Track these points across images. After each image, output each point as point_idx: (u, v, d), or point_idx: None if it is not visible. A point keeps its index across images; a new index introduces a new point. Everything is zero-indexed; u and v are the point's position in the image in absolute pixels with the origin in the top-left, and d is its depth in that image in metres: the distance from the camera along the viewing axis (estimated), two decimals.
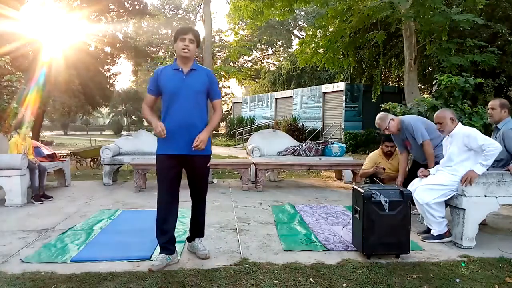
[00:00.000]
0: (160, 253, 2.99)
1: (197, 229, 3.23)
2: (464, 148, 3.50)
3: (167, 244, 2.99)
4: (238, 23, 15.92)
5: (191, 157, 2.92)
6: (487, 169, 3.78)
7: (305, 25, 27.80)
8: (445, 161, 3.71)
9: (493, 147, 3.34)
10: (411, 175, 4.72)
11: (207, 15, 9.15)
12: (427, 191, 3.54)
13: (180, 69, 2.92)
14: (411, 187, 3.69)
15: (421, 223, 4.22)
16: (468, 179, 3.37)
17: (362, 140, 15.02)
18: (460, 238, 3.44)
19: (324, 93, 18.67)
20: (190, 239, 3.27)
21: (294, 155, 7.45)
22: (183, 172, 3.07)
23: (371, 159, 5.14)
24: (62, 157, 7.24)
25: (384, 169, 4.99)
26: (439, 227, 3.57)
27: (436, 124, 3.70)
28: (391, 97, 14.32)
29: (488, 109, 4.05)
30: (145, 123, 45.37)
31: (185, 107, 2.85)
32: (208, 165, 3.07)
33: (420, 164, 4.51)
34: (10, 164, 5.08)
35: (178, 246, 3.20)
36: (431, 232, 3.63)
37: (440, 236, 3.57)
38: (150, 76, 3.03)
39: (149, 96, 2.99)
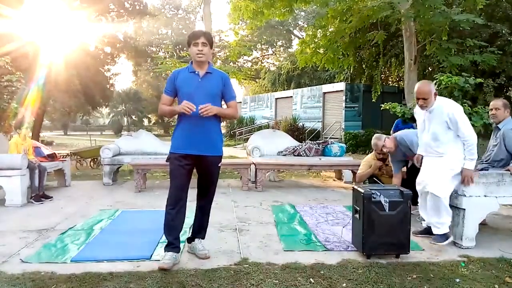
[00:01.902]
0: (167, 251, 2.98)
1: (199, 229, 3.24)
2: (446, 126, 3.36)
3: (175, 240, 3.01)
4: (238, 23, 15.93)
5: (204, 157, 3.01)
6: (487, 169, 3.78)
7: (305, 25, 27.80)
8: (428, 140, 3.49)
9: (471, 140, 3.28)
10: (410, 176, 4.72)
11: (207, 15, 9.16)
12: (443, 183, 3.35)
13: (196, 72, 3.00)
14: (420, 184, 3.56)
15: (420, 223, 4.22)
16: (468, 180, 3.32)
17: (362, 140, 15.02)
18: (460, 238, 3.43)
19: (324, 93, 18.67)
20: (190, 240, 3.28)
21: (294, 155, 7.45)
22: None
23: (367, 162, 5.09)
24: (62, 157, 7.24)
25: (384, 159, 4.95)
26: (449, 220, 3.42)
27: (419, 99, 3.44)
28: (391, 97, 14.35)
29: (491, 110, 3.99)
30: (145, 123, 45.40)
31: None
32: (219, 164, 3.15)
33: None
34: (10, 164, 5.08)
35: None
36: (437, 232, 3.44)
37: (446, 236, 3.41)
38: (168, 79, 3.13)
39: (166, 97, 3.07)
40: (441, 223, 3.44)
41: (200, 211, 3.23)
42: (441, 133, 3.38)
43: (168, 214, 3.02)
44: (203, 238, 3.26)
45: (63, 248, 3.35)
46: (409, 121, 7.53)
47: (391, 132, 7.05)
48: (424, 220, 3.73)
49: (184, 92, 2.98)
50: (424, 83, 3.50)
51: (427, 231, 3.65)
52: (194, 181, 3.11)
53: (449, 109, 3.34)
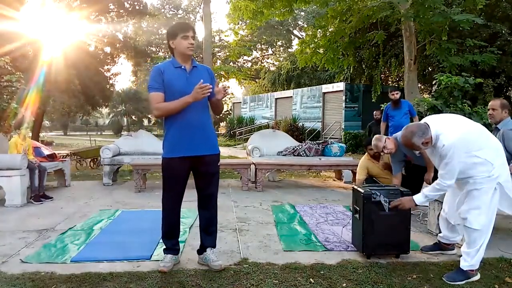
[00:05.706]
0: (167, 253, 2.96)
1: (210, 238, 3.02)
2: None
3: (174, 245, 2.99)
4: (238, 23, 15.96)
5: (203, 157, 2.83)
6: None
7: (305, 25, 27.82)
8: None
9: (444, 185, 2.72)
10: (410, 176, 4.71)
11: (207, 15, 9.16)
12: (480, 214, 2.72)
13: (182, 67, 2.81)
14: (454, 212, 3.01)
15: (421, 223, 4.22)
16: (398, 205, 2.87)
17: (362, 140, 15.02)
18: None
19: (324, 93, 18.68)
20: (200, 251, 3.03)
21: (294, 155, 7.45)
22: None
23: (363, 166, 5.00)
24: (62, 157, 7.24)
25: (378, 156, 4.93)
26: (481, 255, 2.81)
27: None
28: None
29: (488, 110, 4.01)
30: (145, 123, 45.36)
31: (194, 106, 2.72)
32: (218, 163, 2.99)
33: (420, 166, 4.50)
34: (10, 164, 5.08)
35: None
36: (461, 266, 2.79)
37: (467, 274, 2.78)
38: (152, 75, 2.80)
39: (159, 94, 2.74)
40: (468, 253, 2.78)
41: (207, 220, 3.00)
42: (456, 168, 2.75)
43: (168, 224, 2.93)
44: (214, 247, 3.03)
45: (63, 248, 3.34)
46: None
47: (382, 121, 6.99)
48: (440, 233, 3.35)
49: (175, 89, 2.72)
50: (405, 137, 2.80)
51: (438, 247, 3.30)
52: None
53: (444, 141, 2.68)
